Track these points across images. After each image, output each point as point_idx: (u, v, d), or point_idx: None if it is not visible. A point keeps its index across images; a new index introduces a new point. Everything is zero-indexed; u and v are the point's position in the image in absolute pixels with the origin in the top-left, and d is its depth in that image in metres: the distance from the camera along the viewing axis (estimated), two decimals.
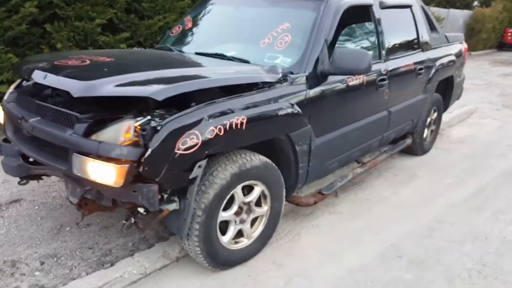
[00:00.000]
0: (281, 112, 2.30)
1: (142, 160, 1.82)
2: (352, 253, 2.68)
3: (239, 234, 2.46)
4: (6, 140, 2.52)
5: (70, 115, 2.04)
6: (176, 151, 1.87)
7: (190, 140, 1.90)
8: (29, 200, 3.15)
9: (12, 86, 2.70)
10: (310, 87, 2.56)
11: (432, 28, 4.25)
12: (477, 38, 15.98)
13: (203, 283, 2.35)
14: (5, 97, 2.61)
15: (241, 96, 2.17)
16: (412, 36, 3.83)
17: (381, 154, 3.78)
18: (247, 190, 2.42)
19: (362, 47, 3.16)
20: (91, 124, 1.93)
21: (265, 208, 2.53)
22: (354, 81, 2.87)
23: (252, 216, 2.47)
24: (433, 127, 4.67)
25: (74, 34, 5.16)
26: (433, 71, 4.06)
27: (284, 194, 2.61)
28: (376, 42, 3.25)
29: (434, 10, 13.34)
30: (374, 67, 3.11)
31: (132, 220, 2.13)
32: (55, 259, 2.50)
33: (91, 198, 2.09)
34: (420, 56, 3.85)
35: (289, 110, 2.36)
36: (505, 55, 16.26)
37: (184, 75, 2.09)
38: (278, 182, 2.52)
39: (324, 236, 2.86)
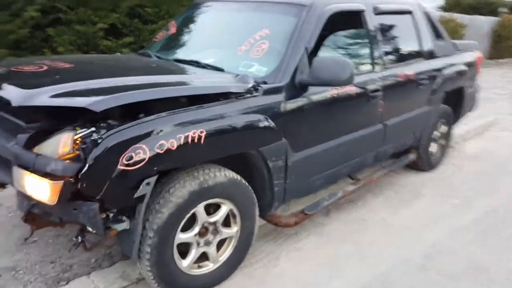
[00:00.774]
0: (247, 125, 2.11)
1: (79, 176, 1.66)
2: (333, 284, 2.43)
3: (204, 257, 2.26)
4: None
5: (17, 124, 1.91)
6: (119, 166, 1.70)
7: (136, 155, 1.73)
8: (6, 206, 3.06)
9: None
10: (287, 98, 2.36)
11: (437, 35, 3.97)
12: (504, 45, 15.31)
13: None
14: None
15: (201, 108, 1.99)
16: (413, 44, 3.57)
17: (378, 170, 3.51)
18: (214, 208, 2.23)
19: (351, 56, 2.93)
20: (33, 135, 1.80)
21: (234, 228, 2.33)
22: (339, 92, 2.64)
23: (219, 238, 2.27)
24: (442, 141, 4.36)
25: (76, 38, 5.17)
26: (438, 81, 3.78)
27: (257, 213, 2.40)
28: (369, 51, 3.02)
29: (456, 17, 12.85)
30: (366, 77, 2.90)
31: (79, 239, 1.97)
32: (13, 272, 2.38)
33: (37, 213, 1.95)
34: (422, 65, 3.58)
35: (258, 123, 2.16)
36: None
37: (137, 84, 1.93)
38: (249, 200, 2.32)
39: (305, 261, 2.62)
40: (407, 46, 3.50)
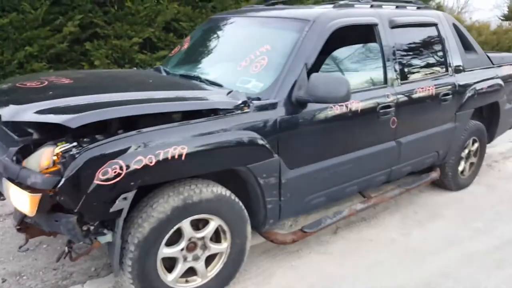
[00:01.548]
0: (233, 142, 2.10)
1: (57, 190, 1.73)
2: None
3: (193, 272, 2.27)
4: None
5: (12, 137, 2.03)
6: (95, 181, 1.75)
7: (112, 171, 1.77)
8: None
9: None
10: (283, 114, 2.32)
11: (467, 48, 3.74)
12: None
13: None
14: None
15: (184, 124, 2.01)
16: (436, 57, 3.38)
17: (394, 189, 3.35)
18: (204, 224, 2.23)
19: (357, 71, 2.83)
20: (21, 148, 1.90)
21: (224, 244, 2.31)
22: (343, 109, 2.56)
23: (207, 253, 2.27)
24: (473, 159, 4.08)
25: (112, 52, 5.41)
26: (465, 96, 3.55)
27: (249, 230, 2.37)
28: (381, 65, 2.89)
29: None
30: (375, 93, 2.79)
31: (66, 249, 2.04)
32: (17, 277, 2.51)
33: (30, 222, 2.05)
34: (446, 79, 3.38)
35: (245, 140, 2.14)
36: None
37: (122, 100, 1.98)
38: (239, 217, 2.30)
39: (298, 281, 2.54)
40: (429, 60, 3.32)
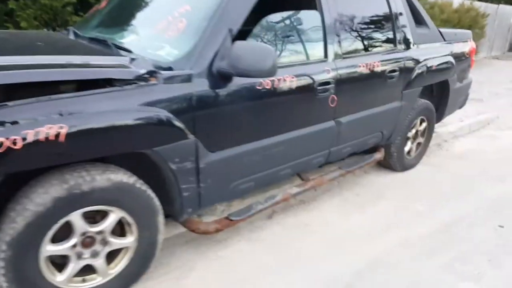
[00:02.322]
0: (131, 120, 1.75)
1: None
2: None
3: (92, 270, 1.96)
4: None
5: None
6: None
7: None
8: None
9: None
10: (200, 89, 1.99)
11: (419, 22, 3.51)
12: None
13: None
14: None
15: (64, 97, 1.64)
16: (384, 31, 3.13)
17: (334, 170, 3.13)
18: (103, 216, 1.91)
19: (293, 41, 2.51)
20: None
21: (130, 239, 2.00)
22: (274, 84, 2.26)
23: (108, 249, 1.96)
24: (420, 139, 3.94)
25: (42, 13, 4.83)
26: (414, 74, 3.34)
27: (161, 221, 2.07)
28: (321, 37, 2.60)
29: (479, 5, 12.04)
30: (313, 68, 2.50)
31: None
32: None
33: None
34: (394, 55, 3.14)
35: (149, 118, 1.81)
36: None
37: None
38: (148, 207, 1.99)
39: (221, 274, 2.30)
40: (376, 34, 3.06)
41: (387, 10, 3.12)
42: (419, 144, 3.94)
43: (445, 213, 3.12)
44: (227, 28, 2.09)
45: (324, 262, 2.45)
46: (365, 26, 2.97)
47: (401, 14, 3.23)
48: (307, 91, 2.48)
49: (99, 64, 1.85)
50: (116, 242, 1.97)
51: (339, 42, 2.69)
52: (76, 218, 1.79)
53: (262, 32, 2.36)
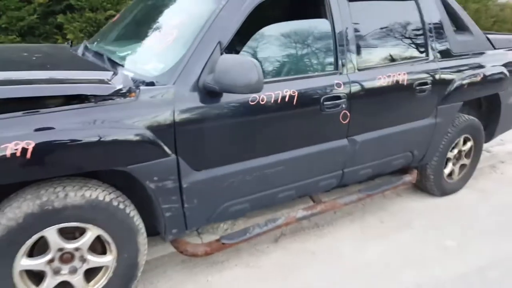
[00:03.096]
0: (99, 137, 1.70)
1: None
2: None
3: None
4: None
5: None
6: None
7: None
8: None
9: None
10: (182, 104, 1.90)
11: (460, 28, 3.14)
12: None
13: None
14: None
15: (34, 113, 1.63)
16: (412, 38, 2.82)
17: (351, 194, 2.87)
18: (82, 233, 1.88)
19: (297, 54, 2.33)
20: None
21: (108, 257, 1.95)
22: (271, 100, 2.11)
23: (86, 266, 1.92)
24: (465, 161, 3.51)
25: (87, 25, 5.11)
26: (451, 87, 2.98)
27: (142, 241, 2.00)
28: (332, 47, 2.39)
29: None
30: (320, 81, 2.31)
31: None
32: None
33: None
34: (425, 66, 2.82)
35: (120, 135, 1.74)
36: None
37: None
38: (126, 226, 1.93)
39: None
40: (401, 41, 2.77)
41: (416, 15, 2.82)
42: (463, 166, 3.52)
43: (480, 253, 2.69)
44: (217, 41, 1.99)
45: None
46: (388, 34, 2.70)
47: (435, 18, 2.90)
48: (311, 106, 2.28)
49: (78, 79, 1.83)
50: (94, 260, 1.92)
51: (353, 52, 2.46)
52: (51, 234, 1.77)
53: (260, 43, 2.21)
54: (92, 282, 1.98)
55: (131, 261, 2.00)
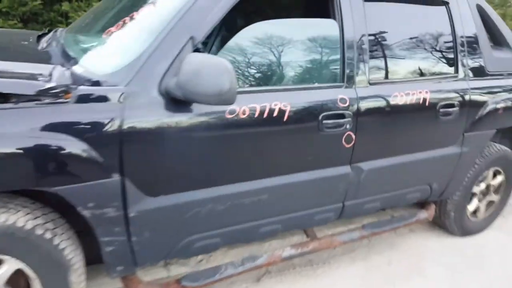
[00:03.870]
0: (9, 148, 1.30)
1: None
2: None
3: None
4: None
5: None
6: None
7: None
8: None
9: None
10: (135, 112, 1.49)
11: (499, 43, 2.65)
12: None
13: None
14: None
15: None
16: (440, 51, 2.34)
17: (352, 230, 2.40)
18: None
19: (292, 60, 1.88)
20: None
21: None
22: (254, 113, 1.68)
23: None
24: (493, 197, 2.99)
25: None
26: (483, 111, 2.48)
27: (74, 280, 1.59)
28: (338, 55, 1.94)
29: None
30: (318, 96, 1.87)
31: None
32: None
33: None
34: (452, 84, 2.34)
35: (39, 147, 1.34)
36: None
37: None
38: (53, 260, 1.52)
39: None
40: (425, 54, 2.29)
41: (446, 24, 2.34)
42: (490, 202, 3.00)
43: None
44: (188, 36, 1.57)
45: None
46: (411, 44, 2.23)
47: (469, 30, 2.42)
48: (306, 124, 1.84)
49: (9, 73, 1.44)
50: None
51: (366, 62, 2.00)
52: None
53: (245, 43, 1.78)
54: None
55: None
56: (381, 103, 2.05)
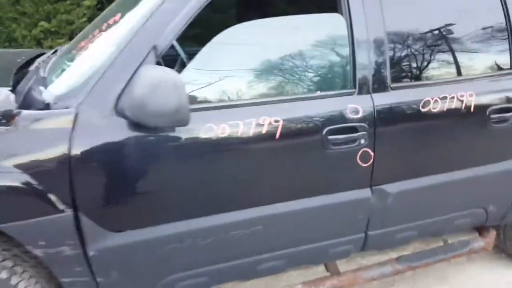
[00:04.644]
0: None
1: None
2: None
3: None
4: None
5: None
6: None
7: None
8: None
9: None
10: (90, 135, 1.29)
11: None
12: None
13: None
14: None
15: None
16: (490, 42, 1.87)
17: (383, 264, 2.00)
18: None
19: (286, 65, 1.55)
20: None
21: None
22: (235, 131, 1.41)
23: None
24: None
25: None
26: None
27: None
28: (347, 54, 1.59)
29: None
30: (321, 107, 1.55)
31: None
32: None
33: None
34: (507, 84, 1.86)
35: None
36: None
37: None
38: None
39: None
40: (469, 46, 1.83)
41: (497, 8, 1.86)
42: None
43: None
44: (150, 45, 1.35)
45: None
46: (447, 35, 1.79)
47: None
48: (306, 142, 1.53)
49: None
50: None
51: (384, 62, 1.63)
52: None
53: (222, 48, 1.50)
54: None
55: None
56: (407, 111, 1.65)
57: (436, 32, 1.76)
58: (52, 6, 4.56)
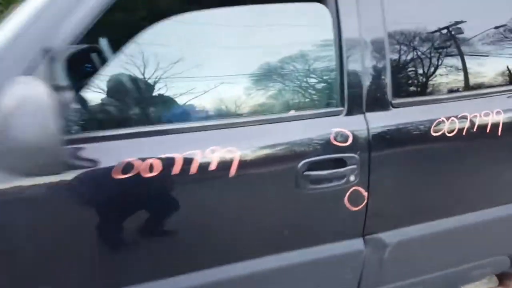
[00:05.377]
0: None
1: None
2: None
3: None
4: None
5: None
6: None
7: None
8: None
9: None
10: None
11: None
12: None
13: None
14: None
15: None
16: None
17: None
18: None
19: (249, 77, 1.13)
20: None
21: None
22: (168, 167, 0.99)
23: None
24: None
25: None
26: None
27: None
28: (335, 58, 1.17)
29: None
30: (298, 130, 1.12)
31: None
32: None
33: None
34: None
35: None
36: None
37: None
38: None
39: None
40: (491, 52, 1.40)
41: None
42: None
43: None
44: (37, 47, 0.92)
45: None
46: (463, 37, 1.36)
47: None
48: (273, 180, 1.11)
49: None
50: None
51: (384, 73, 1.20)
52: None
53: (155, 49, 1.08)
54: None
55: None
56: (413, 136, 1.23)
57: (454, 29, 1.33)
58: None
